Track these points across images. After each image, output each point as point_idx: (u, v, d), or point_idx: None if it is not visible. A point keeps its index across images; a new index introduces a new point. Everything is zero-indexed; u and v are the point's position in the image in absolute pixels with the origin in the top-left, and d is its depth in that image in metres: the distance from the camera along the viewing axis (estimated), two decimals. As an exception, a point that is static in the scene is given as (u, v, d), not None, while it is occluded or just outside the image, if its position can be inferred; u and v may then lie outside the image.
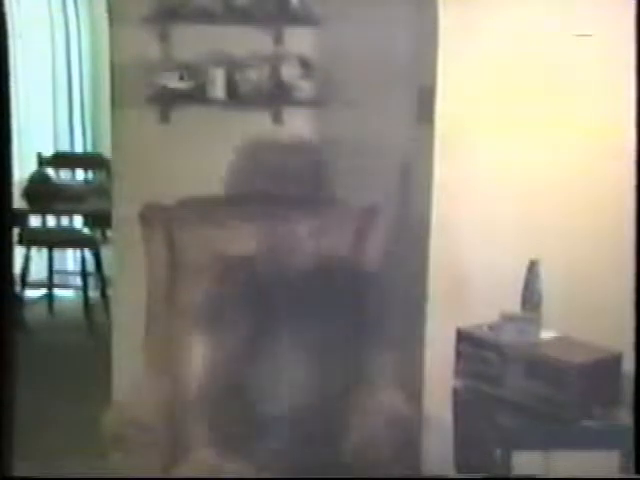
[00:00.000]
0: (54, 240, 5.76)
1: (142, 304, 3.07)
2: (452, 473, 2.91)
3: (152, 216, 3.09)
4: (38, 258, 5.76)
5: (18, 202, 4.94)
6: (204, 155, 3.43)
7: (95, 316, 5.39)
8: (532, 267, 2.84)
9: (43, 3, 5.99)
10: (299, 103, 3.52)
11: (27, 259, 5.39)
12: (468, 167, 3.09)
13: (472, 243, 3.11)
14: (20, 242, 5.31)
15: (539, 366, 2.66)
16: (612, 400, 2.65)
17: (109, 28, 3.57)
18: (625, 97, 2.44)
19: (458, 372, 2.86)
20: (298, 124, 3.55)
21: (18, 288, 5.26)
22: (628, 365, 2.45)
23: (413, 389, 3.09)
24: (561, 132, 3.04)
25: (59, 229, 6.05)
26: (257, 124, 3.50)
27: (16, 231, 5.17)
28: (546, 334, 2.81)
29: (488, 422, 2.73)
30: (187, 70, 3.49)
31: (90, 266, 5.57)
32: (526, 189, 3.08)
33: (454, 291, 3.14)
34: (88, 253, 5.57)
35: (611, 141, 2.99)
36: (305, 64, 3.52)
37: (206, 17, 3.45)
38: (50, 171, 5.55)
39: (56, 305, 5.76)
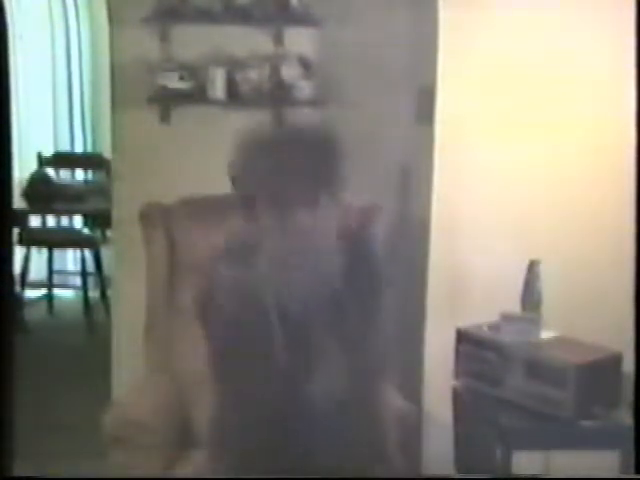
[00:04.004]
0: (54, 240, 5.76)
1: (142, 304, 3.07)
2: (452, 473, 2.91)
3: (152, 216, 3.09)
4: (38, 258, 5.77)
5: (18, 202, 4.94)
6: (204, 155, 3.43)
7: (95, 316, 5.39)
8: (532, 267, 2.84)
9: (43, 3, 5.99)
10: (299, 103, 3.52)
11: (27, 259, 5.39)
12: (468, 167, 3.09)
13: (472, 243, 3.11)
14: (20, 242, 5.31)
15: (539, 366, 2.66)
16: (612, 400, 2.65)
17: (109, 28, 3.57)
18: (625, 97, 2.45)
19: (458, 372, 2.87)
20: (298, 124, 3.55)
21: (18, 288, 5.26)
22: (628, 365, 2.45)
23: (413, 389, 3.09)
24: (561, 132, 3.04)
25: (59, 229, 6.06)
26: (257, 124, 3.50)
27: (16, 231, 5.17)
28: (546, 334, 2.81)
29: (488, 422, 2.73)
30: (187, 70, 3.49)
31: (90, 266, 5.57)
32: (526, 189, 3.08)
33: (454, 291, 3.14)
34: (88, 253, 5.58)
35: (611, 141, 2.99)
36: (305, 64, 3.52)
37: (206, 17, 3.45)
38: (50, 171, 5.55)
39: (56, 305, 5.77)
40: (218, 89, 3.47)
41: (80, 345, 5.05)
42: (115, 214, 3.60)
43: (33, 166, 5.52)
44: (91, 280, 5.61)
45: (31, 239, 5.45)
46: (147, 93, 3.49)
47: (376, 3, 3.39)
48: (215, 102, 3.49)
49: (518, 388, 2.69)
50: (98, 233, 5.60)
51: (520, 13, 2.99)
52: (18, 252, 5.26)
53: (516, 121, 3.03)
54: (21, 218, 5.28)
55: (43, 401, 3.94)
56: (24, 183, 5.15)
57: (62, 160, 5.81)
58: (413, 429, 2.85)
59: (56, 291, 5.85)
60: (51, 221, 6.01)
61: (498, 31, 3.02)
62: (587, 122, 3.03)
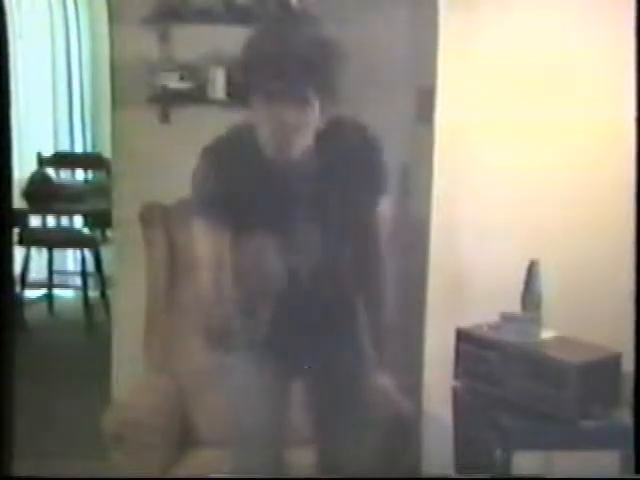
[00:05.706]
0: (54, 240, 5.76)
1: (142, 304, 3.07)
2: (452, 473, 2.91)
3: (152, 216, 3.09)
4: (38, 258, 5.77)
5: (18, 202, 4.94)
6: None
7: (95, 316, 5.39)
8: (532, 267, 2.84)
9: (43, 4, 6.00)
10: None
11: (27, 259, 5.40)
12: (468, 167, 3.09)
13: (472, 243, 3.10)
14: (20, 242, 5.31)
15: (539, 366, 2.66)
16: (612, 400, 2.65)
17: (109, 28, 3.57)
18: (625, 98, 2.44)
19: (458, 372, 2.87)
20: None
21: (18, 288, 5.26)
22: (628, 365, 2.45)
23: (413, 389, 3.09)
24: (561, 132, 3.04)
25: (59, 229, 6.06)
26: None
27: (16, 231, 5.17)
28: (546, 334, 2.81)
29: (488, 422, 2.73)
30: (187, 70, 3.49)
31: (90, 266, 5.57)
32: (526, 189, 3.08)
33: (454, 291, 3.13)
34: (88, 253, 5.58)
35: (611, 141, 2.99)
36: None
37: (206, 17, 3.45)
38: (50, 171, 5.55)
39: (56, 305, 5.77)
40: (218, 89, 3.47)
41: (80, 345, 5.05)
42: (115, 214, 3.60)
43: (33, 166, 5.52)
44: (91, 280, 5.62)
45: (31, 239, 5.45)
46: (147, 93, 3.49)
47: (376, 3, 3.39)
48: (215, 102, 3.49)
49: (518, 388, 2.69)
50: (98, 233, 5.60)
51: (520, 13, 2.99)
52: (18, 252, 5.26)
53: (516, 121, 3.03)
54: (21, 218, 5.28)
55: (43, 401, 3.93)
56: (24, 183, 5.14)
57: (62, 160, 5.81)
58: (413, 429, 2.85)
59: (56, 291, 5.85)
60: (51, 221, 6.01)
61: (498, 31, 3.02)
62: (587, 122, 3.03)
